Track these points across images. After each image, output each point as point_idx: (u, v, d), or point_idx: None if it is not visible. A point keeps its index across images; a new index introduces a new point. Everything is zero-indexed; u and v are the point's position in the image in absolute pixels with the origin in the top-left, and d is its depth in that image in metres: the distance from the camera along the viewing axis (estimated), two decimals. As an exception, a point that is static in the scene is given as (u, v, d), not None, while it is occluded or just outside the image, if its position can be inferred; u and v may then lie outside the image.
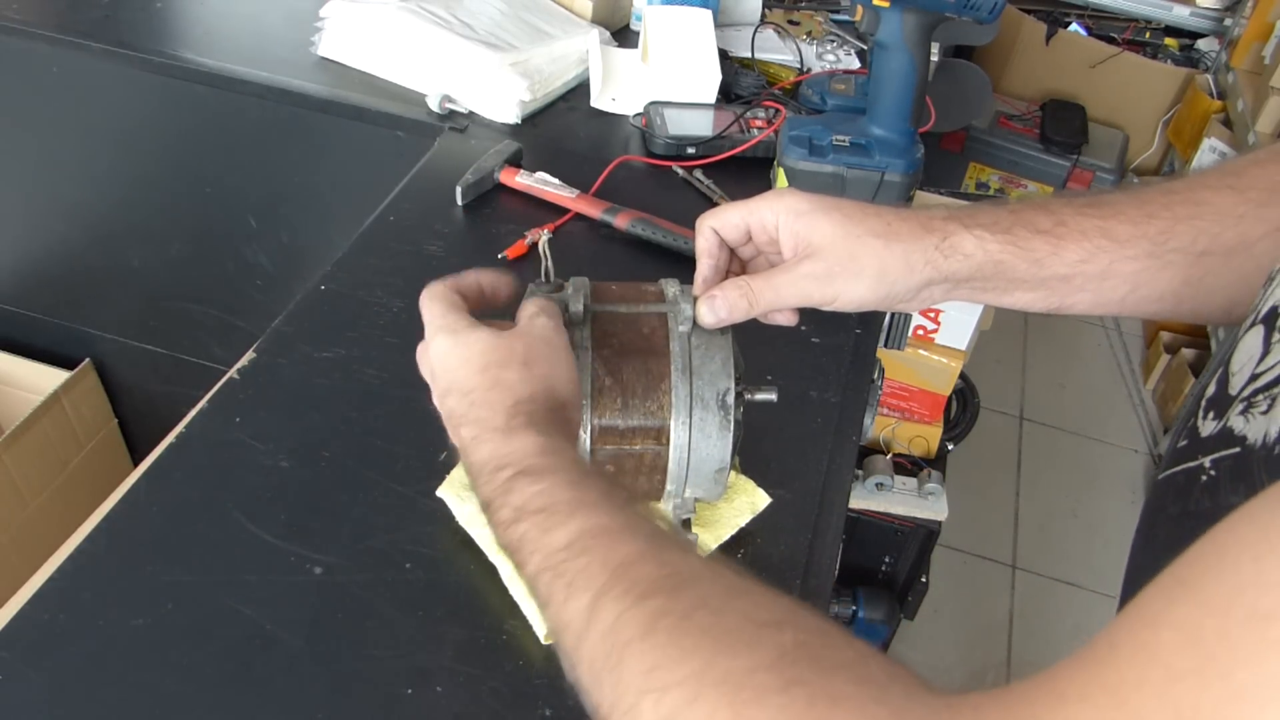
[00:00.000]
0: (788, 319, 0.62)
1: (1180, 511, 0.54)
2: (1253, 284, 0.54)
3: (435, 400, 0.56)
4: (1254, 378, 0.50)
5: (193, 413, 0.76)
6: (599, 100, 1.22)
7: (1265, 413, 0.47)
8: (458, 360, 0.54)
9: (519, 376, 0.53)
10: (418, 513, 0.69)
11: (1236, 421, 0.50)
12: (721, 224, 0.62)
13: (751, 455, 0.74)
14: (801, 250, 0.58)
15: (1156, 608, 0.32)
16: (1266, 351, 0.50)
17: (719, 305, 0.60)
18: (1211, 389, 0.54)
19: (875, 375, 0.88)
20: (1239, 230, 0.55)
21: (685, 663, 0.37)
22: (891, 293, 0.58)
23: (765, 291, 0.59)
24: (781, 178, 1.04)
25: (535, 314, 0.56)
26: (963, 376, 1.72)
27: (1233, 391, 0.52)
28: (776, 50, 1.38)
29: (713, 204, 1.07)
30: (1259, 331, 0.52)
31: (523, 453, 0.49)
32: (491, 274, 0.62)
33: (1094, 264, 0.57)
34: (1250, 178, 0.56)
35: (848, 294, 0.58)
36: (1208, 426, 0.52)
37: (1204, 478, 0.51)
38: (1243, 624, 0.28)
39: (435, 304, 0.58)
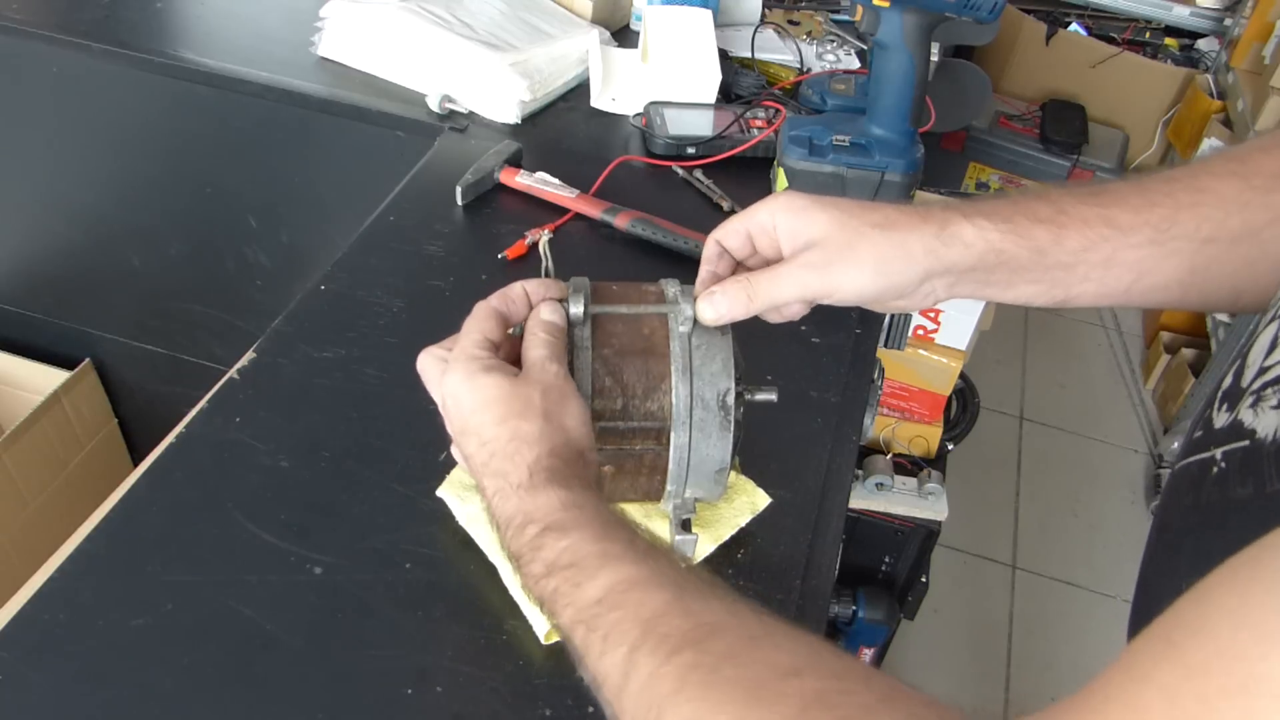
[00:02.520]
0: (793, 313, 0.61)
1: (1192, 503, 0.54)
2: (1259, 271, 0.55)
3: (449, 428, 0.58)
4: (1263, 371, 0.50)
5: (193, 413, 0.76)
6: (599, 100, 1.22)
7: (1276, 407, 0.48)
8: (474, 404, 0.55)
9: (539, 430, 0.54)
10: (418, 513, 0.69)
11: (1246, 415, 0.50)
12: (723, 234, 0.62)
13: (751, 455, 0.74)
14: (800, 245, 0.58)
15: (1145, 665, 0.33)
16: (1274, 346, 0.50)
17: (719, 301, 0.59)
18: (1228, 381, 0.54)
19: (875, 375, 0.88)
20: (1244, 217, 0.55)
21: (717, 718, 0.40)
22: (892, 284, 0.57)
23: (764, 285, 0.58)
24: (781, 178, 1.04)
25: (546, 359, 0.57)
26: (963, 376, 1.72)
27: (1244, 384, 0.52)
28: (776, 50, 1.38)
29: (712, 204, 1.07)
30: (1276, 326, 0.52)
31: (548, 508, 0.51)
32: (537, 283, 0.62)
33: (1097, 252, 0.56)
34: (1255, 164, 0.55)
35: (847, 284, 0.57)
36: (1221, 418, 0.53)
37: (1215, 469, 0.52)
38: (1218, 693, 0.29)
39: (469, 334, 0.59)
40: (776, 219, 0.59)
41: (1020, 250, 0.56)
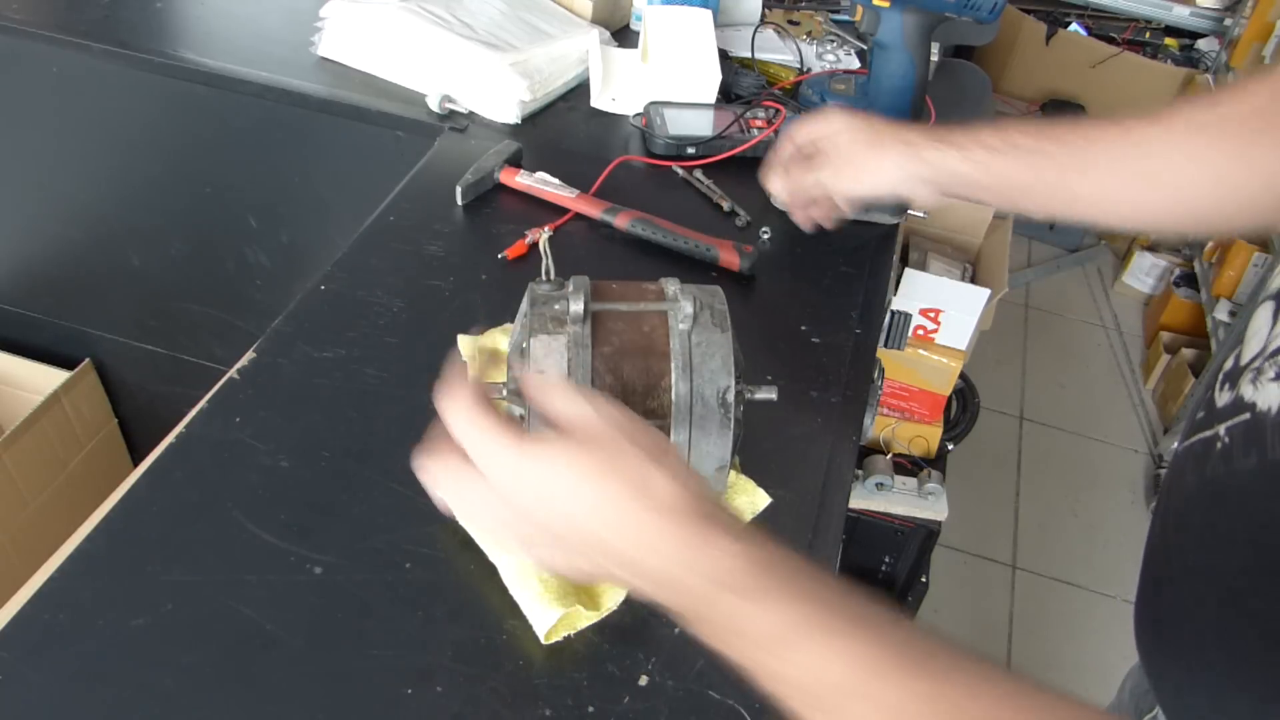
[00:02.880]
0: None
1: (1196, 480, 0.55)
2: (1158, 192, 0.68)
3: (509, 529, 0.49)
4: (1263, 349, 0.52)
5: (193, 413, 0.76)
6: (599, 100, 1.22)
7: (1275, 379, 0.49)
8: (555, 471, 0.46)
9: (661, 474, 0.46)
10: (418, 513, 0.69)
11: (1246, 389, 0.51)
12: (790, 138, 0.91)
13: (751, 455, 0.74)
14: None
15: None
16: (1274, 323, 0.52)
17: (778, 187, 0.92)
18: (1228, 364, 0.56)
19: (875, 375, 0.88)
20: (1159, 154, 0.67)
21: None
22: (903, 189, 0.81)
23: (808, 182, 0.88)
24: (781, 177, 1.04)
25: (600, 404, 0.49)
26: (963, 376, 1.72)
27: (1243, 363, 0.53)
28: (776, 50, 1.38)
29: (712, 204, 1.07)
30: (1269, 306, 0.54)
31: (723, 564, 0.44)
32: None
33: (1037, 174, 0.72)
34: (1175, 114, 0.67)
35: (873, 186, 0.83)
36: (1223, 397, 0.54)
37: (1219, 445, 0.53)
38: None
39: (478, 417, 0.48)
40: (821, 131, 0.86)
41: (972, 171, 0.75)
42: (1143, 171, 0.67)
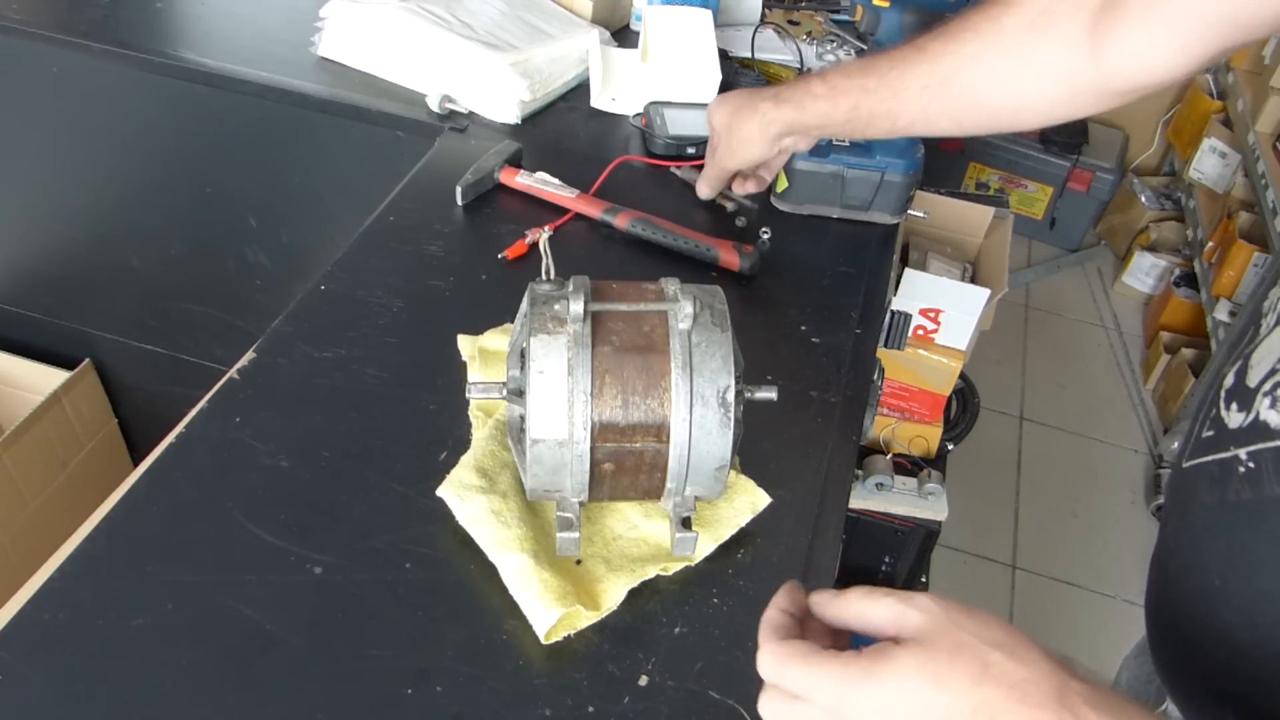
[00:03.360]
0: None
1: (1218, 501, 0.55)
2: (973, 107, 0.79)
3: None
4: (1273, 371, 0.51)
5: (193, 413, 0.76)
6: (599, 100, 1.22)
7: None
8: (915, 692, 0.43)
9: (1017, 663, 0.43)
10: (418, 513, 0.69)
11: (1269, 415, 0.51)
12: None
13: (751, 455, 0.74)
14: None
15: None
16: None
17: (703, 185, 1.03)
18: (1229, 380, 0.56)
19: (875, 375, 0.88)
20: (946, 64, 0.77)
21: None
22: (771, 147, 0.94)
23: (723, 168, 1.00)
24: (782, 177, 1.04)
25: (908, 600, 0.45)
26: (963, 376, 1.72)
27: (1251, 384, 0.53)
28: (776, 50, 1.38)
29: (714, 204, 1.07)
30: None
31: None
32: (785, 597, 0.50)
33: (860, 110, 0.83)
34: (966, 22, 0.76)
35: (752, 155, 0.95)
36: (1234, 418, 0.54)
37: (1241, 469, 0.53)
38: None
39: (780, 662, 0.46)
40: (710, 120, 0.98)
41: (812, 119, 0.87)
42: (945, 85, 0.77)
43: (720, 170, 0.99)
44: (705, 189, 1.03)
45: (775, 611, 0.48)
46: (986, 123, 0.80)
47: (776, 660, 0.46)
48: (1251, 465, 0.52)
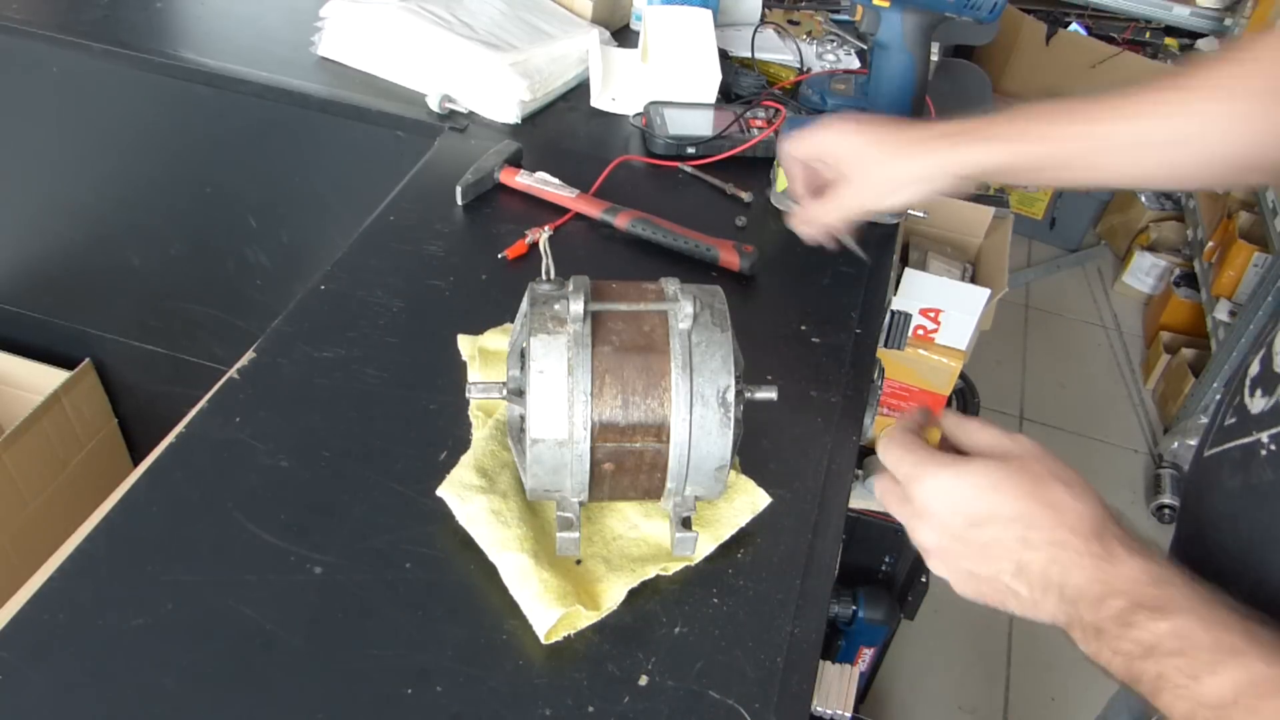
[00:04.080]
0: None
1: (1240, 485, 0.56)
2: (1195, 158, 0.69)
3: (928, 539, 0.56)
4: None
5: (193, 413, 0.76)
6: (599, 100, 1.22)
7: None
8: (976, 490, 0.53)
9: (1071, 496, 0.52)
10: (418, 513, 0.69)
11: None
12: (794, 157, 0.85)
13: (751, 455, 0.74)
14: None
15: None
16: None
17: (802, 223, 0.85)
18: (1255, 368, 0.57)
19: (875, 375, 0.88)
20: (1172, 124, 0.68)
21: None
22: (920, 191, 0.77)
23: (829, 209, 0.82)
24: (781, 178, 1.04)
25: (1017, 437, 0.55)
26: (963, 376, 1.72)
27: (1277, 368, 0.53)
28: (776, 50, 1.38)
29: (727, 196, 1.07)
30: None
31: (1133, 580, 0.49)
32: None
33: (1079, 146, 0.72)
34: (1192, 75, 0.69)
35: (890, 196, 0.78)
36: (1257, 404, 0.55)
37: (1263, 452, 0.54)
38: None
39: (896, 448, 0.58)
40: (827, 148, 0.81)
41: (993, 158, 0.74)
42: (1171, 145, 0.69)
43: (848, 212, 0.82)
44: (817, 230, 0.85)
45: (910, 419, 0.60)
46: (1206, 181, 0.73)
47: (901, 442, 0.57)
48: (1274, 448, 0.53)
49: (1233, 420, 0.57)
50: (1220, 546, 0.58)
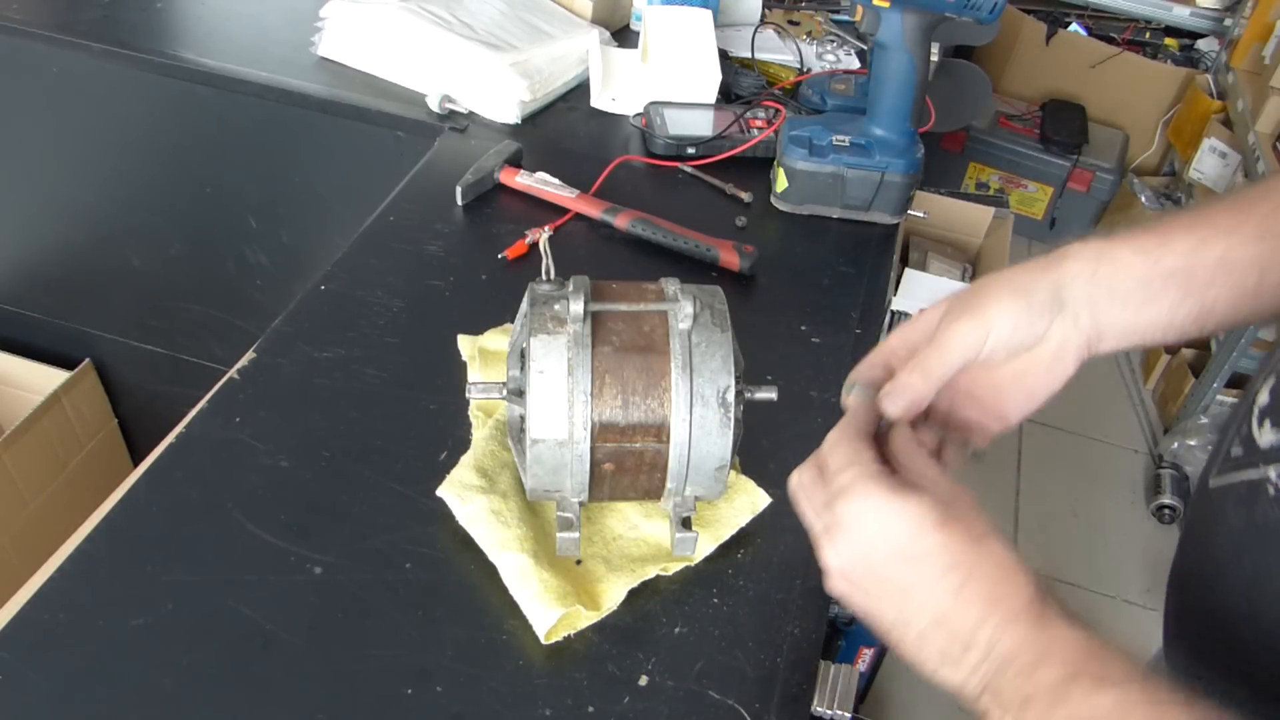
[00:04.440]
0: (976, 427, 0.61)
1: (1245, 522, 0.53)
2: None
3: (838, 560, 0.50)
4: None
5: (193, 413, 0.76)
6: (599, 100, 1.22)
7: None
8: (917, 527, 0.47)
9: (1013, 557, 0.47)
10: (418, 513, 0.69)
11: None
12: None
13: (752, 455, 0.74)
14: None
15: None
16: None
17: (899, 388, 0.56)
18: (1264, 398, 0.53)
19: (875, 375, 0.88)
20: None
21: None
22: (1032, 302, 0.56)
23: (931, 354, 0.56)
24: (781, 177, 1.04)
25: (960, 488, 0.50)
26: (963, 376, 1.71)
27: None
28: (776, 50, 1.38)
29: (726, 195, 1.07)
30: None
31: (1071, 649, 0.44)
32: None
33: (1208, 251, 0.55)
34: None
35: (997, 315, 0.56)
36: (1266, 436, 0.52)
37: (1271, 490, 0.51)
38: None
39: (844, 449, 0.51)
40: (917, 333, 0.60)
41: (1131, 255, 0.56)
42: None
43: (949, 353, 0.56)
44: (912, 390, 0.56)
45: (867, 411, 0.54)
46: None
47: (839, 437, 0.52)
48: None
49: (1239, 451, 0.55)
50: (1223, 584, 0.56)
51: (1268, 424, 0.52)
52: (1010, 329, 0.56)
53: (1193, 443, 2.24)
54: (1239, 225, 0.55)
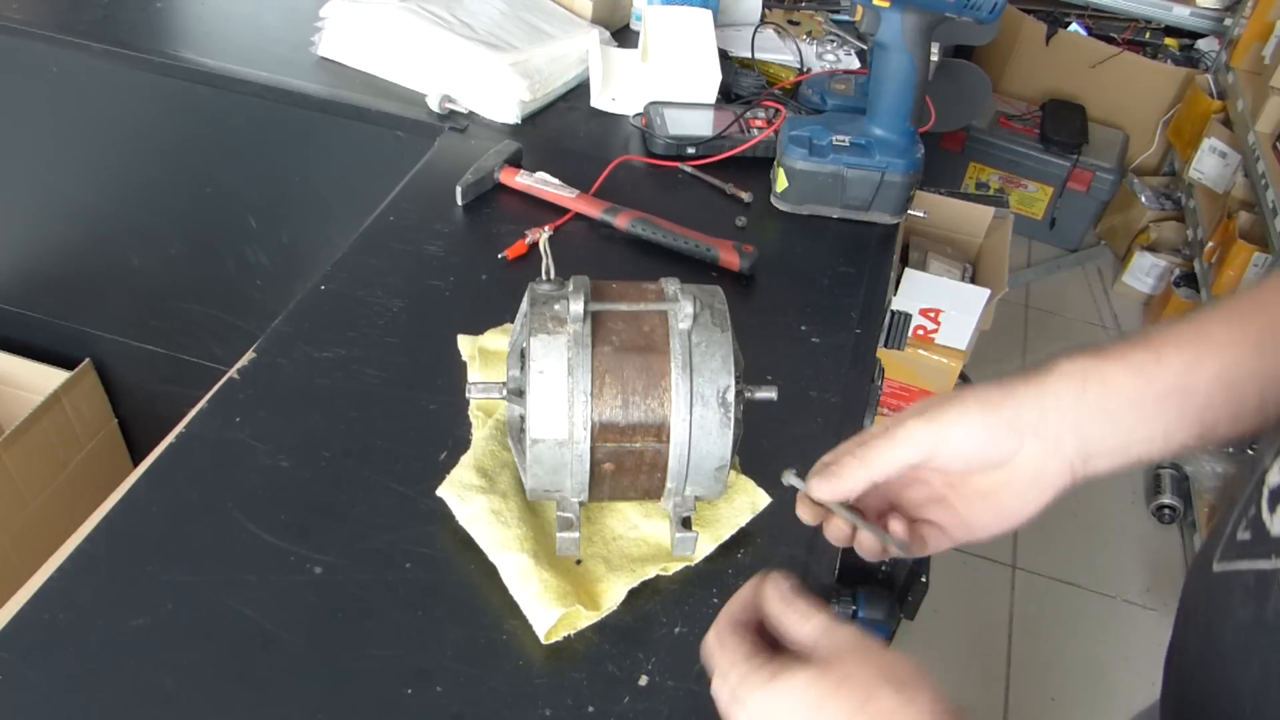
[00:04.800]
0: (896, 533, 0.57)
1: (1253, 618, 0.51)
2: None
3: None
4: None
5: (193, 413, 0.76)
6: (599, 100, 1.22)
7: None
8: (801, 710, 0.46)
9: (903, 702, 0.45)
10: (418, 513, 0.69)
11: None
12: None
13: (752, 455, 0.74)
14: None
15: None
16: None
17: (832, 473, 0.56)
18: (1275, 478, 0.50)
19: (875, 375, 0.88)
20: None
21: None
22: (999, 419, 0.53)
23: (876, 445, 0.55)
24: (781, 178, 1.04)
25: (830, 626, 0.48)
26: (963, 376, 1.72)
27: None
28: (776, 50, 1.38)
29: (726, 195, 1.06)
30: None
31: None
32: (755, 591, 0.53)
33: (1203, 368, 0.52)
34: None
35: (955, 425, 0.53)
36: (1278, 524, 0.49)
37: None
38: None
39: (723, 653, 0.50)
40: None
41: (1122, 373, 0.53)
42: None
43: (895, 453, 0.55)
44: (844, 479, 0.57)
45: (743, 599, 0.52)
46: None
47: (715, 639, 0.51)
48: None
49: (1247, 535, 0.51)
50: (1228, 683, 0.53)
51: (1279, 510, 0.49)
52: (968, 442, 0.54)
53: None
54: (1236, 340, 0.53)
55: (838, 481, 0.55)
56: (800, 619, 0.49)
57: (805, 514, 0.58)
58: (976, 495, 0.57)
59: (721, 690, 0.49)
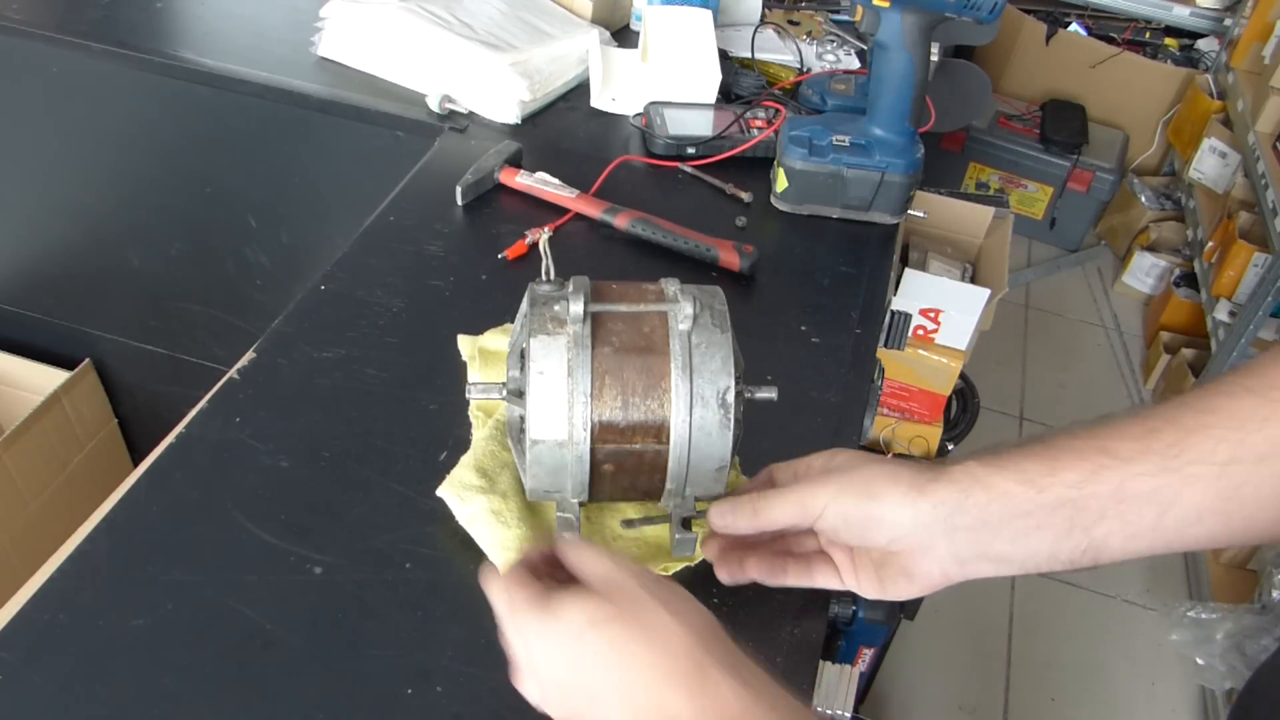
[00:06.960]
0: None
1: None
2: None
3: (532, 693, 0.51)
4: None
5: (193, 413, 0.76)
6: (599, 100, 1.22)
7: None
8: (567, 635, 0.48)
9: (669, 615, 0.47)
10: (418, 513, 0.69)
11: None
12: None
13: (752, 455, 0.74)
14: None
15: None
16: None
17: (725, 511, 0.61)
18: None
19: (875, 375, 0.88)
20: (1265, 434, 0.50)
21: None
22: (873, 505, 0.56)
23: (769, 499, 0.59)
24: (781, 178, 1.04)
25: (621, 561, 0.50)
26: (963, 376, 1.72)
27: None
28: (776, 50, 1.38)
29: (726, 195, 1.06)
30: None
31: (730, 709, 0.45)
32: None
33: (1100, 483, 0.51)
34: (1272, 377, 0.51)
35: (831, 502, 0.57)
36: None
37: None
38: None
39: (497, 589, 0.52)
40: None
41: (1011, 484, 0.53)
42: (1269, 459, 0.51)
43: (781, 510, 0.59)
44: (734, 518, 0.61)
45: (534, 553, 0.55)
46: None
47: (502, 584, 0.52)
48: None
49: None
50: None
51: None
52: (840, 521, 0.57)
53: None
54: (1138, 455, 0.52)
55: (732, 519, 0.60)
56: (591, 556, 0.51)
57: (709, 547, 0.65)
58: (877, 559, 0.59)
59: (512, 646, 0.51)
